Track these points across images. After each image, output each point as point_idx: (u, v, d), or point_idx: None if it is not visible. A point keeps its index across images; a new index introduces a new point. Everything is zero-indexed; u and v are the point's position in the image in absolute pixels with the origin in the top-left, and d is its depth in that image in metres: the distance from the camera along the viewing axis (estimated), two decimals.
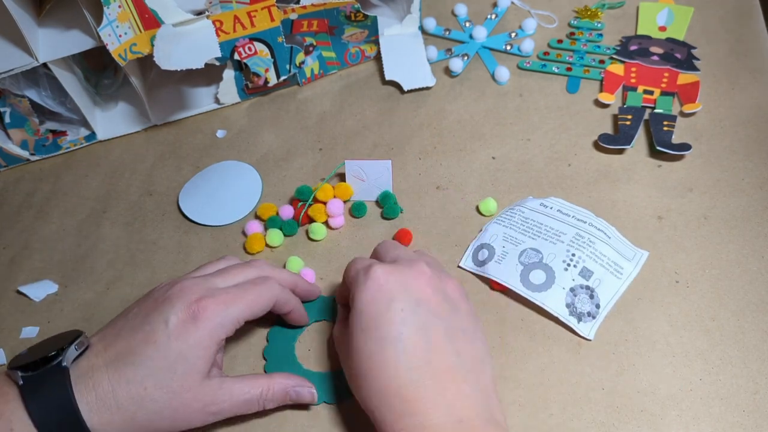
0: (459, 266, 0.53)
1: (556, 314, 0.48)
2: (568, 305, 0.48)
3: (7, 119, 0.62)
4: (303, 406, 0.47)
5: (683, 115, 0.59)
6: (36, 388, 0.40)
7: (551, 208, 0.54)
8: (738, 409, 0.44)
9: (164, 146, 0.66)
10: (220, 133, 0.66)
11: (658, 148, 0.56)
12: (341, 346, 0.46)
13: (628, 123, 0.59)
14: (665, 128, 0.58)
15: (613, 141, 0.58)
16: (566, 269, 0.49)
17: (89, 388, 0.40)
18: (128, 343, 0.42)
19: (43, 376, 0.40)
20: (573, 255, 0.50)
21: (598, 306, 0.48)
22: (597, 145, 0.59)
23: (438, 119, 0.64)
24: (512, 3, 0.71)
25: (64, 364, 0.41)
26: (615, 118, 0.60)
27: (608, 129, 0.60)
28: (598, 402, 0.45)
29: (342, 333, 0.46)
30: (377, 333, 0.40)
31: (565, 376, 0.47)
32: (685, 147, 0.56)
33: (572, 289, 0.49)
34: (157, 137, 0.67)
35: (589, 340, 0.48)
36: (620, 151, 0.58)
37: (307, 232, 0.57)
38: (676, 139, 0.57)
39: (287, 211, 0.58)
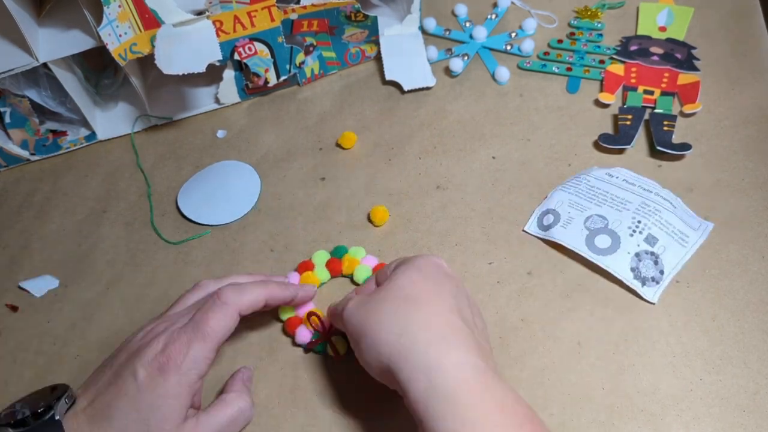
0: (524, 230, 0.54)
1: (620, 278, 0.50)
2: (632, 269, 0.50)
3: (7, 119, 0.62)
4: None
5: (683, 115, 0.59)
6: None
7: (617, 177, 0.55)
8: (738, 409, 0.44)
9: (164, 146, 0.66)
10: (220, 133, 0.66)
11: (659, 148, 0.56)
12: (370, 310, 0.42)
13: (628, 123, 0.59)
14: (665, 128, 0.58)
15: (613, 141, 0.58)
16: (632, 235, 0.51)
17: None
18: (104, 397, 0.42)
19: (37, 430, 0.40)
20: (639, 222, 0.51)
21: (662, 272, 0.50)
22: (597, 145, 0.59)
23: (438, 119, 0.64)
24: (512, 3, 0.71)
25: (57, 417, 0.41)
26: (615, 118, 0.60)
27: (608, 129, 0.60)
28: (598, 402, 0.45)
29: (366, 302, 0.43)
30: (433, 281, 0.42)
31: (565, 376, 0.47)
32: (686, 147, 0.56)
33: (637, 254, 0.50)
34: (157, 137, 0.67)
35: (653, 303, 0.49)
36: (620, 151, 0.58)
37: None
38: (676, 139, 0.57)
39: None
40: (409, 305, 0.40)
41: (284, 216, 0.59)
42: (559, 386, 0.46)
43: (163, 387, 0.41)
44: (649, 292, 0.49)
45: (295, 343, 0.51)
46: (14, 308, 0.56)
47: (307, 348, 0.50)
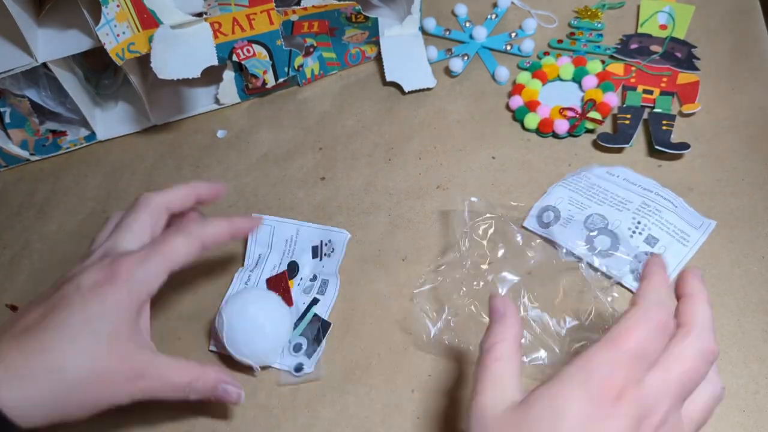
0: (523, 226, 0.54)
1: (619, 280, 0.49)
2: (632, 271, 0.49)
3: (7, 119, 0.63)
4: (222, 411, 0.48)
5: (682, 115, 0.59)
6: None
7: (618, 176, 0.55)
8: (738, 409, 0.44)
9: (164, 146, 0.66)
10: (220, 134, 0.66)
11: (657, 147, 0.56)
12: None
13: (627, 122, 0.59)
14: (664, 128, 0.58)
15: (612, 140, 0.58)
16: (631, 236, 0.51)
17: None
18: (39, 312, 0.38)
19: None
20: (639, 223, 0.51)
21: None
22: (597, 145, 0.59)
23: (438, 119, 0.64)
24: (512, 3, 0.71)
25: None
26: (614, 117, 0.60)
27: (608, 128, 0.60)
28: None
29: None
30: None
31: None
32: (684, 146, 0.56)
33: (636, 256, 0.50)
34: (157, 137, 0.67)
35: None
36: (619, 150, 0.58)
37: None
38: (675, 139, 0.57)
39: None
40: None
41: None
42: None
43: (112, 296, 0.38)
44: None
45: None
46: (14, 308, 0.56)
47: (569, 132, 0.59)
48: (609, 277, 0.50)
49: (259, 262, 0.55)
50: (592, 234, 0.51)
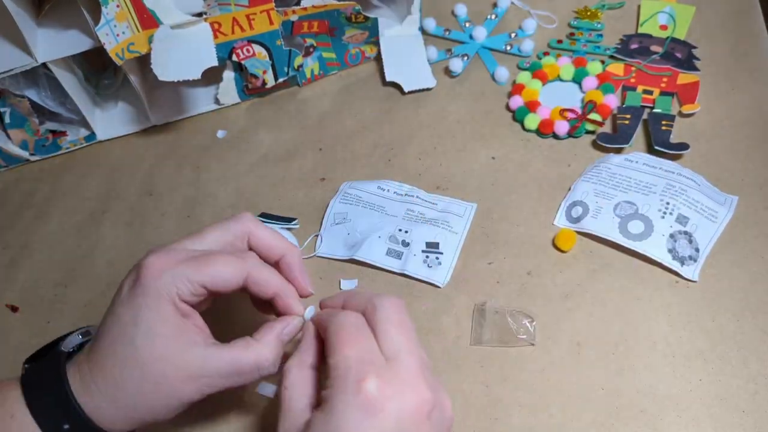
0: (554, 224, 0.54)
1: (659, 260, 0.50)
2: (670, 250, 0.50)
3: (7, 119, 0.63)
4: None
5: (682, 115, 0.59)
6: (34, 375, 0.39)
7: (637, 162, 0.56)
8: (738, 410, 0.44)
9: (164, 146, 0.66)
10: (220, 134, 0.66)
11: (656, 147, 0.56)
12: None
13: (626, 122, 0.59)
14: (664, 128, 0.58)
15: (611, 140, 0.58)
16: (663, 217, 0.51)
17: (75, 374, 0.39)
18: (100, 326, 0.40)
19: (42, 363, 0.40)
20: (668, 203, 0.52)
21: (697, 249, 0.50)
22: (596, 145, 0.59)
23: (438, 119, 0.64)
24: (512, 3, 0.71)
25: (61, 348, 0.40)
26: (614, 117, 0.60)
27: (607, 128, 0.60)
28: (598, 402, 0.45)
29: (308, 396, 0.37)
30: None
31: (565, 376, 0.47)
32: (683, 147, 0.56)
33: (672, 235, 0.51)
34: (157, 137, 0.67)
35: (695, 281, 0.49)
36: (619, 150, 0.58)
37: None
38: (675, 139, 0.57)
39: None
40: None
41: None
42: (559, 386, 0.46)
43: (140, 299, 0.38)
44: (689, 271, 0.50)
45: None
46: (14, 308, 0.56)
47: (569, 134, 0.59)
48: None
49: None
50: (624, 221, 0.52)
